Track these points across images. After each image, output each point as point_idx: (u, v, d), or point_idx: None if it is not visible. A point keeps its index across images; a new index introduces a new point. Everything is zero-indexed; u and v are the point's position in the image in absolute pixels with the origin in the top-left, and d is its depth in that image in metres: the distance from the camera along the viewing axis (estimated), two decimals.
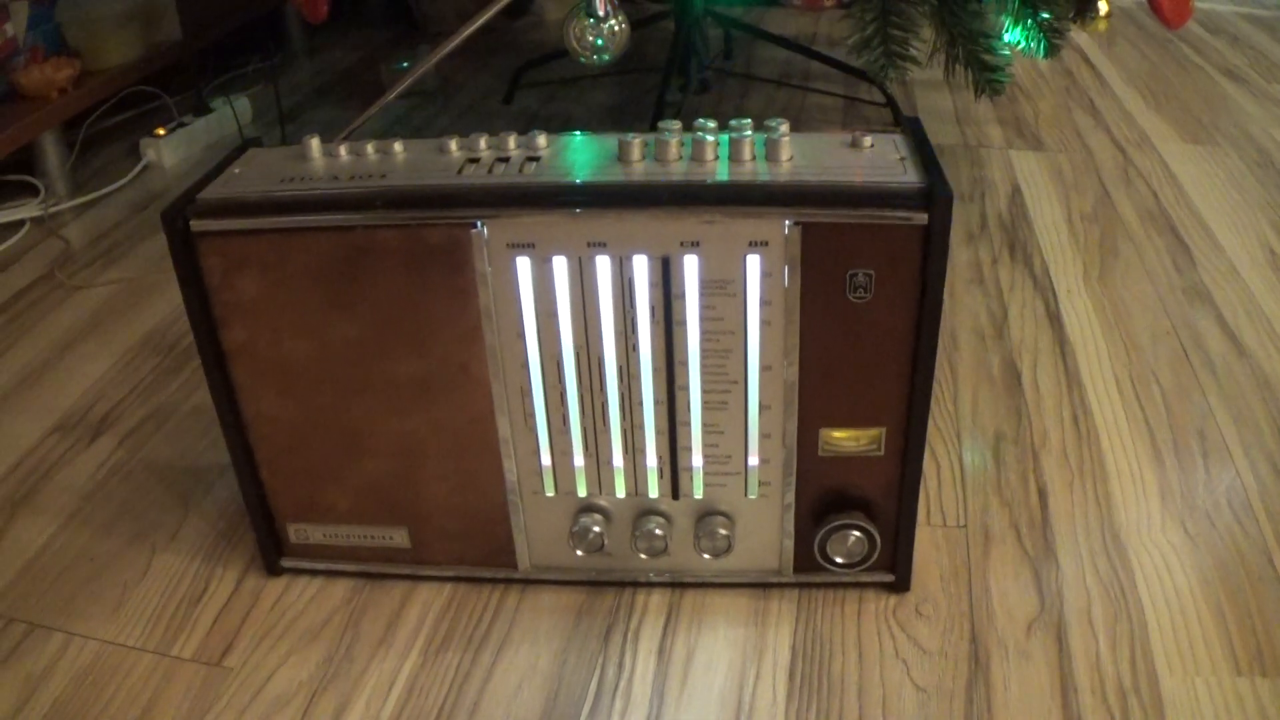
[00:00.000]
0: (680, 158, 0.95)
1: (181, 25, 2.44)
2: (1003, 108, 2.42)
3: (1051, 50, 1.64)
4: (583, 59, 1.47)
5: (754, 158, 0.95)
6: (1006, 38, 1.66)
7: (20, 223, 1.98)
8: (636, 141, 0.95)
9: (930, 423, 1.31)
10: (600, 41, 1.45)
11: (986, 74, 1.63)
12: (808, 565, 1.07)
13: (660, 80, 2.20)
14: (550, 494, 1.06)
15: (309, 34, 3.06)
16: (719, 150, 0.95)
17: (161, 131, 2.25)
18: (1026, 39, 1.64)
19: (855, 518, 1.03)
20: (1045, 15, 1.62)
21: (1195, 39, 2.92)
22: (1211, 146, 2.19)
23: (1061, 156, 2.14)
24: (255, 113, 2.50)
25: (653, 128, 2.05)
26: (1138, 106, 2.43)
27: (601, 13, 1.43)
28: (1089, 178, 2.03)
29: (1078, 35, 1.83)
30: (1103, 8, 1.76)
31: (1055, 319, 1.55)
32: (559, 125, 2.40)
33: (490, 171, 0.95)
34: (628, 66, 2.36)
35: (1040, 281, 1.66)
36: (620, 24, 1.46)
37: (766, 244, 0.91)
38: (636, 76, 2.58)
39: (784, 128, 0.95)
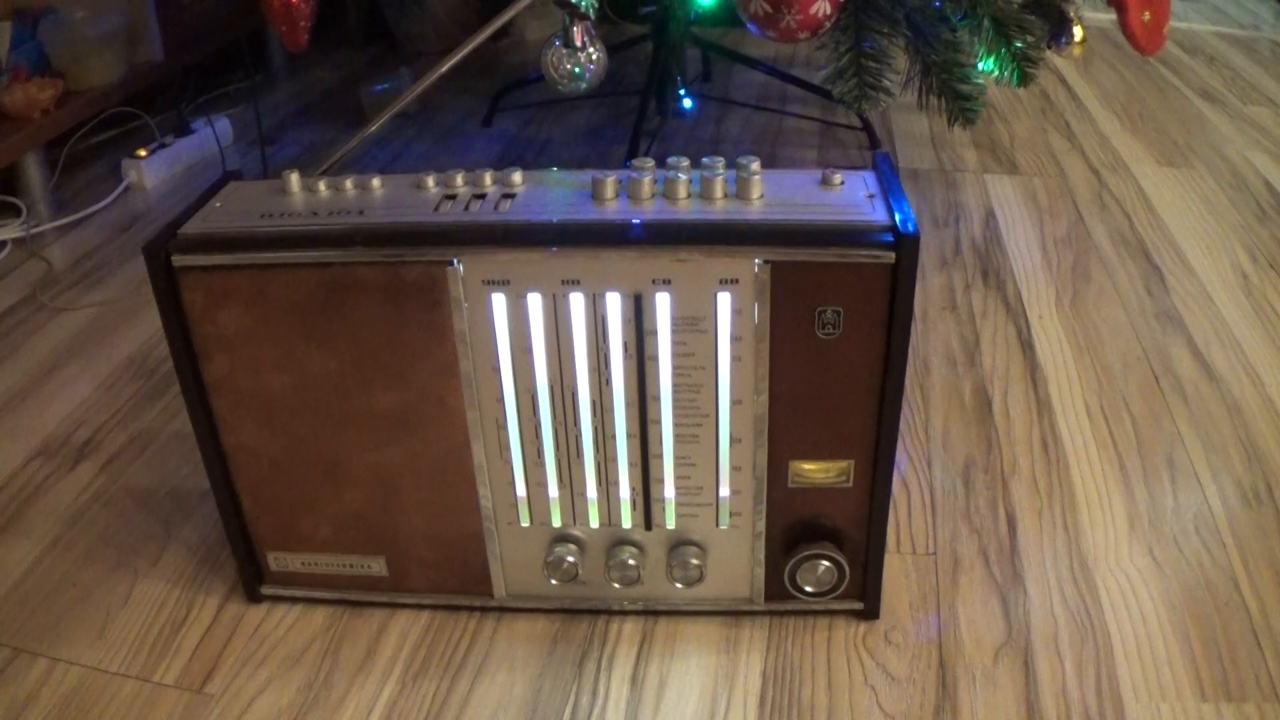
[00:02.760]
0: (653, 195, 0.97)
1: (163, 46, 2.45)
2: (978, 131, 2.43)
3: (1026, 79, 1.65)
4: (560, 87, 1.48)
5: (725, 195, 0.96)
6: (980, 67, 1.68)
7: (2, 244, 1.99)
8: (610, 179, 0.96)
9: (901, 449, 1.32)
10: (577, 70, 1.46)
11: (960, 103, 1.65)
12: (778, 594, 1.09)
13: (638, 104, 2.21)
14: (525, 524, 1.07)
15: (290, 54, 3.06)
16: (691, 188, 0.97)
17: (142, 152, 2.25)
18: (1000, 68, 1.66)
19: (824, 548, 1.04)
20: (1019, 44, 1.63)
21: (1172, 59, 2.94)
22: (1186, 169, 2.21)
23: (1036, 180, 2.16)
24: (236, 133, 2.51)
25: (631, 152, 2.07)
26: (1113, 129, 2.45)
27: (578, 42, 1.44)
28: (1063, 202, 2.05)
29: (1054, 57, 1.84)
30: (1078, 34, 1.77)
31: (1027, 345, 1.57)
32: (538, 148, 2.41)
33: (467, 208, 0.96)
34: (607, 89, 2.37)
35: (1013, 307, 1.67)
36: (597, 52, 1.47)
37: (737, 282, 0.92)
38: (616, 99, 2.59)
39: (755, 165, 0.97)
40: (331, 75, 3.00)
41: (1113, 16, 1.74)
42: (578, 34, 1.43)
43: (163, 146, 2.30)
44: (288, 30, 1.60)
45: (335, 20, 3.26)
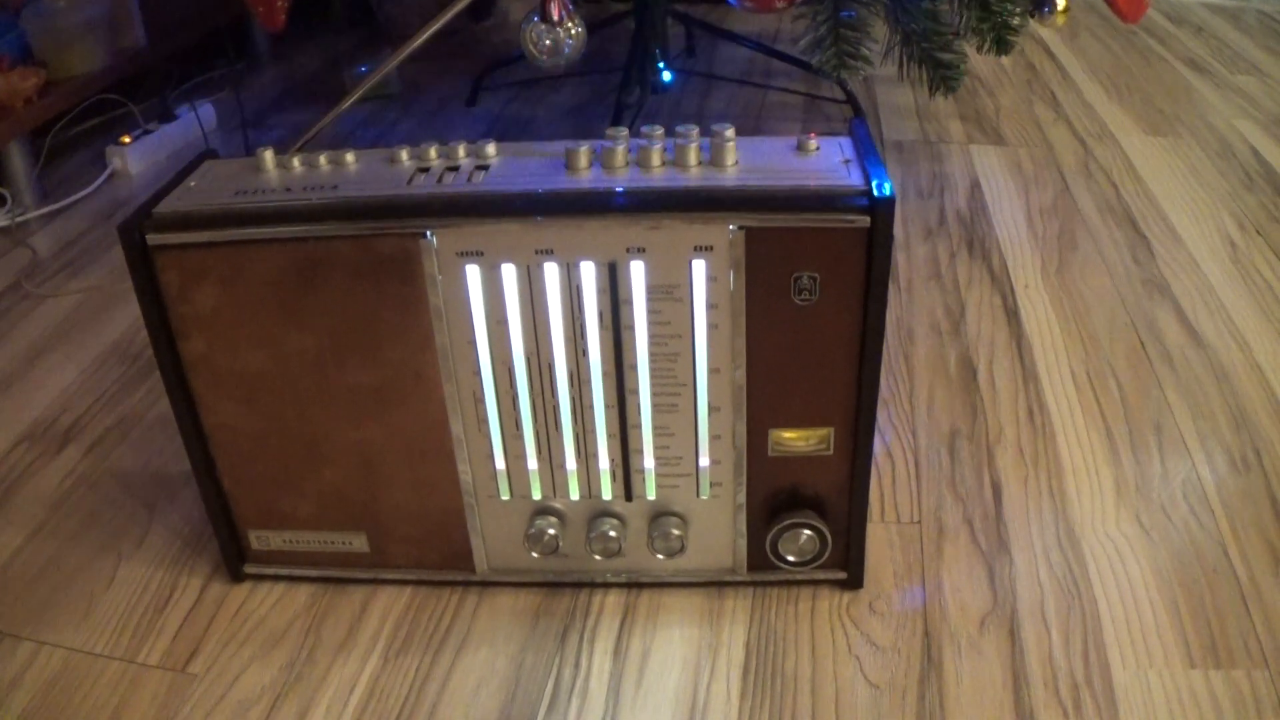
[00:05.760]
0: (626, 164, 0.96)
1: (146, 33, 2.44)
2: (964, 102, 2.43)
3: (1005, 48, 1.65)
4: (540, 63, 1.47)
5: (699, 163, 0.96)
6: (960, 36, 1.67)
7: None
8: (583, 149, 0.96)
9: (885, 419, 1.32)
10: (556, 45, 1.46)
11: (941, 71, 1.64)
12: (761, 564, 1.08)
13: (620, 79, 2.21)
14: (505, 498, 1.07)
15: (273, 39, 3.05)
16: (665, 156, 0.96)
17: (127, 139, 2.24)
18: (981, 36, 1.65)
19: (806, 516, 1.04)
20: (999, 13, 1.62)
21: (1159, 29, 2.94)
22: (1173, 138, 2.20)
23: (1022, 150, 2.15)
24: (220, 119, 2.49)
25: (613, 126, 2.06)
26: (1099, 98, 2.44)
27: (555, 18, 1.43)
28: (1049, 171, 2.05)
29: (1039, 28, 1.83)
30: (1060, 2, 1.76)
31: (1013, 314, 1.57)
32: (521, 127, 2.40)
33: (440, 181, 0.96)
34: (590, 67, 2.37)
35: (998, 277, 1.67)
36: (576, 28, 1.46)
37: (711, 249, 0.92)
38: (599, 77, 2.59)
39: (729, 132, 0.96)
40: (315, 60, 2.99)
41: None
42: (555, 8, 1.42)
43: (147, 133, 2.30)
44: (265, 11, 1.59)
45: (319, 4, 3.25)
